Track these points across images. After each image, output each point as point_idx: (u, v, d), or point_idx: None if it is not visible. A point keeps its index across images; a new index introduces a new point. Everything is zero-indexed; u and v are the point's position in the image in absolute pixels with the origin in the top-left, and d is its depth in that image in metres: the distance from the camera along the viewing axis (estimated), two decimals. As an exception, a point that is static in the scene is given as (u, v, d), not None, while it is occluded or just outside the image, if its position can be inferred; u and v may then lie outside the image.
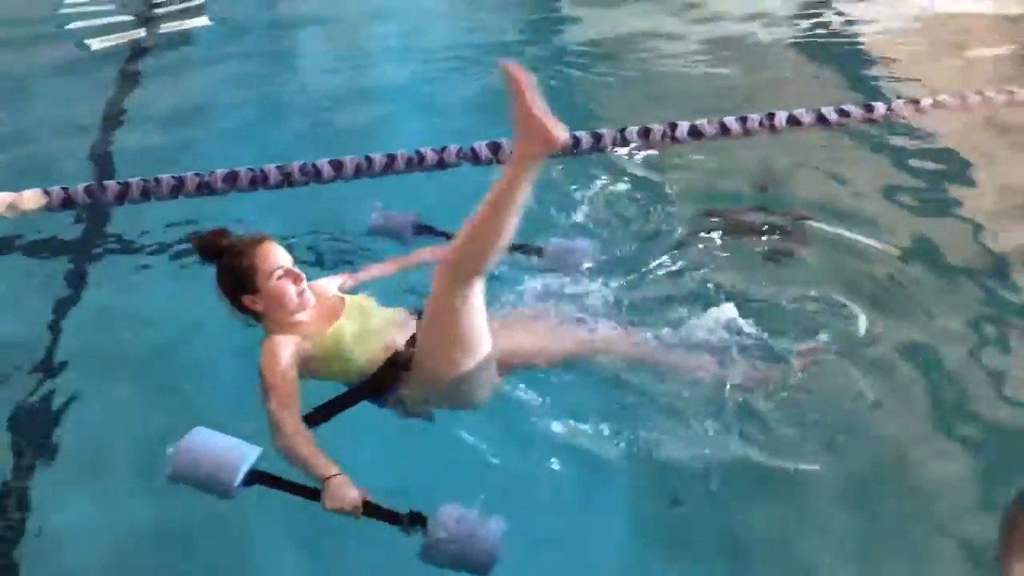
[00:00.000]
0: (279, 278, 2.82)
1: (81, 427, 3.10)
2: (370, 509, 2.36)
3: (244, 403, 2.70)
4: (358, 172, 4.45)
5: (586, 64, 5.84)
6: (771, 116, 4.78)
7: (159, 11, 7.07)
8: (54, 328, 3.61)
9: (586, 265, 3.59)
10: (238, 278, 2.82)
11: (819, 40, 6.25)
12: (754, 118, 4.77)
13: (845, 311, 3.27)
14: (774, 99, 5.03)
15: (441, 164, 4.52)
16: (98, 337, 3.53)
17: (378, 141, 4.69)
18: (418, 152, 4.52)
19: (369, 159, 4.48)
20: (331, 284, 3.13)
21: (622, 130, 4.67)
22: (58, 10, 6.97)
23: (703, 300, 3.25)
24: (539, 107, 2.34)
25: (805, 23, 6.52)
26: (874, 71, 5.73)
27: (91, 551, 2.66)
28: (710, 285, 3.37)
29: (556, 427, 2.77)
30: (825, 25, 6.48)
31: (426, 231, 3.76)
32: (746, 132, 4.74)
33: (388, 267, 3.36)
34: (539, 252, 3.62)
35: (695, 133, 4.72)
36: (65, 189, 4.34)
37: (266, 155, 4.53)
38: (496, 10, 6.98)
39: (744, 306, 3.13)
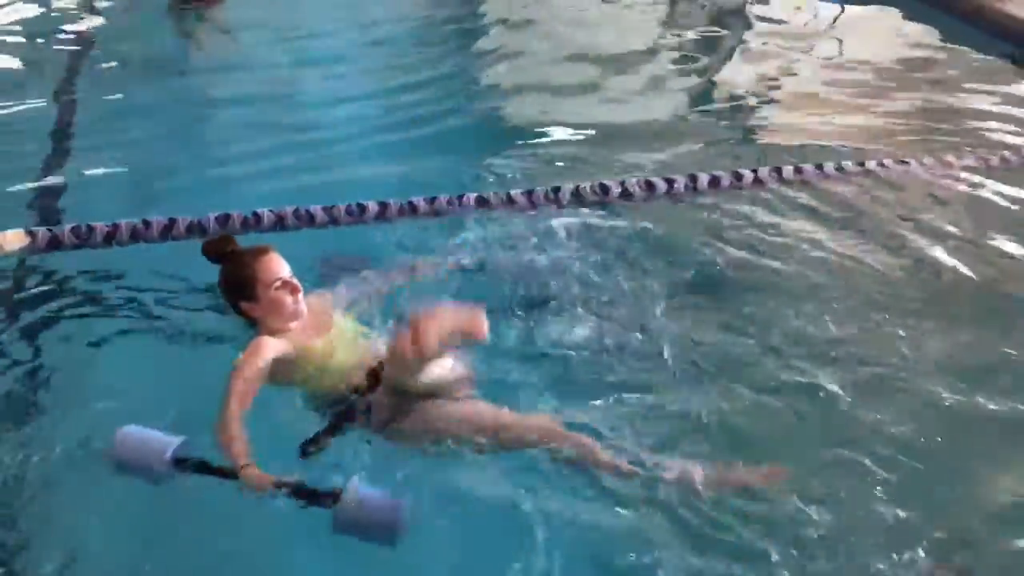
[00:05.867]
0: (277, 289, 2.94)
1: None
2: (283, 486, 2.50)
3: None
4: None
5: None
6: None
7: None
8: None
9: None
10: (238, 285, 2.96)
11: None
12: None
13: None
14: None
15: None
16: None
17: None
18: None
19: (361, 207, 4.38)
20: (325, 299, 3.20)
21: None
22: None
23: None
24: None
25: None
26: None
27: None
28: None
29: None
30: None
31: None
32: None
33: (372, 287, 3.43)
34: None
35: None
36: (50, 230, 4.20)
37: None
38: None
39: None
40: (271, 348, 2.84)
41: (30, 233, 4.16)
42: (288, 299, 2.92)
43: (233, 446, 2.57)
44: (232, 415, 2.63)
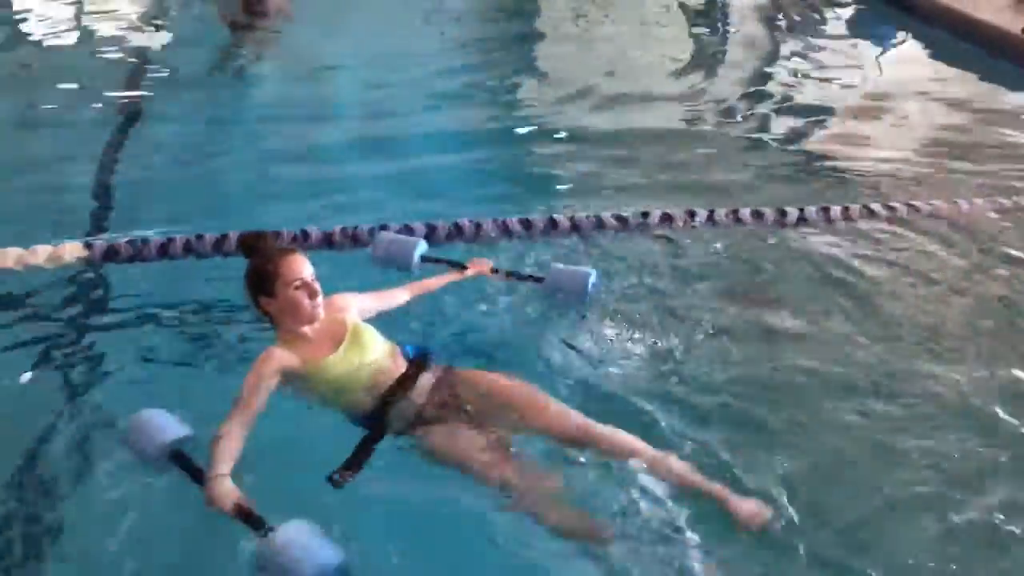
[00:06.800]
0: (296, 289, 2.94)
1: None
2: (240, 512, 2.50)
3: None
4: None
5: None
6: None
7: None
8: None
9: (590, 289, 3.65)
10: (259, 279, 2.98)
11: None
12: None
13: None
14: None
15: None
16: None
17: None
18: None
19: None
20: (349, 302, 3.21)
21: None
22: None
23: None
24: None
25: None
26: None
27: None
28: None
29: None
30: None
31: (431, 261, 3.75)
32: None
33: (403, 295, 3.48)
34: (539, 280, 3.69)
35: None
36: (107, 242, 4.32)
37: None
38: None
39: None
40: (279, 362, 2.88)
41: (87, 245, 4.29)
42: (305, 301, 2.92)
43: (216, 453, 2.63)
44: (231, 423, 2.70)
